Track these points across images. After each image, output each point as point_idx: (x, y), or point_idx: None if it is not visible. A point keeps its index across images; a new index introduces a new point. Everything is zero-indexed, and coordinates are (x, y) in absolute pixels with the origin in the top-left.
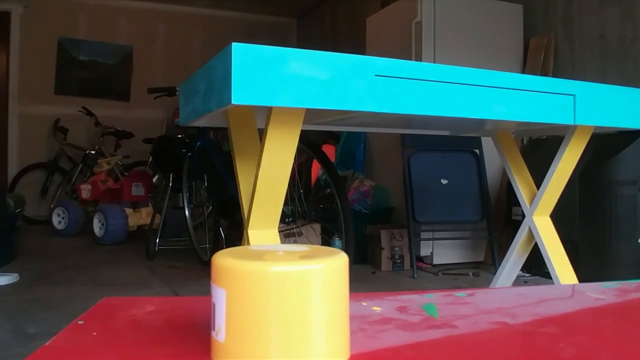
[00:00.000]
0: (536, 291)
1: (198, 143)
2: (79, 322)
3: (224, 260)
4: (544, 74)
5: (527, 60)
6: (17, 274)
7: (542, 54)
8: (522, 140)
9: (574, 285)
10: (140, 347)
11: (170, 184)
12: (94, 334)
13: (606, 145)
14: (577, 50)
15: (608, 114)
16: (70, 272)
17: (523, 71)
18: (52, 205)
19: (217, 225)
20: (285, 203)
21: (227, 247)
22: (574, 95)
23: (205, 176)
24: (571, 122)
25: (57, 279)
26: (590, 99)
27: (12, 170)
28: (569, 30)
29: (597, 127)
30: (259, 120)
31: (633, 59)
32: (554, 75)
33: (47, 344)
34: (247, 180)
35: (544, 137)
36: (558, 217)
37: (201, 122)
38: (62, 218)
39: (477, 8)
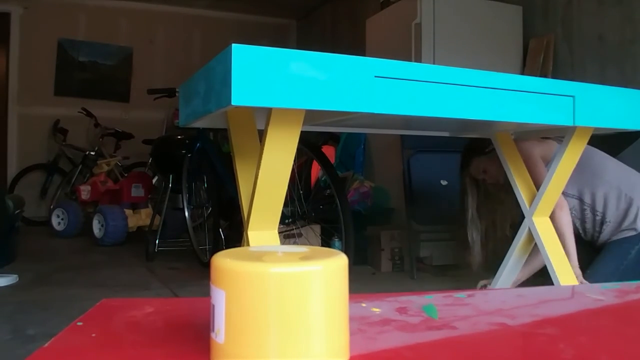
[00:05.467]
0: (536, 292)
1: (198, 144)
2: (78, 323)
3: (224, 262)
4: (544, 74)
5: (526, 61)
6: (16, 275)
7: (541, 55)
8: None
9: (573, 286)
10: (140, 348)
11: (170, 185)
12: (93, 335)
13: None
14: (577, 51)
15: (607, 115)
16: (70, 274)
17: (523, 72)
18: (51, 207)
19: (216, 226)
20: (285, 204)
21: (227, 248)
22: (573, 96)
23: (205, 177)
24: (570, 124)
25: (56, 280)
26: (589, 100)
27: (12, 171)
28: (568, 31)
29: (596, 129)
30: (259, 121)
31: (632, 61)
32: (554, 76)
33: (46, 345)
34: (247, 181)
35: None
36: None
37: (201, 123)
38: (62, 219)
39: (477, 9)
